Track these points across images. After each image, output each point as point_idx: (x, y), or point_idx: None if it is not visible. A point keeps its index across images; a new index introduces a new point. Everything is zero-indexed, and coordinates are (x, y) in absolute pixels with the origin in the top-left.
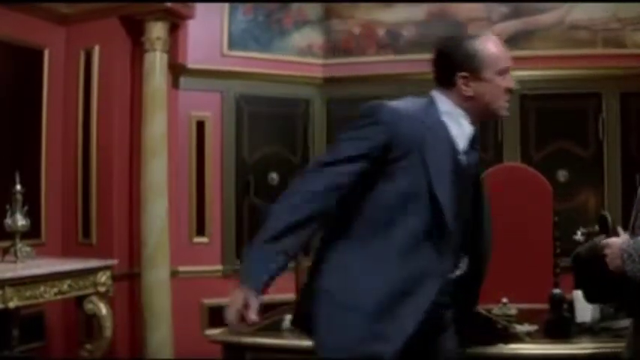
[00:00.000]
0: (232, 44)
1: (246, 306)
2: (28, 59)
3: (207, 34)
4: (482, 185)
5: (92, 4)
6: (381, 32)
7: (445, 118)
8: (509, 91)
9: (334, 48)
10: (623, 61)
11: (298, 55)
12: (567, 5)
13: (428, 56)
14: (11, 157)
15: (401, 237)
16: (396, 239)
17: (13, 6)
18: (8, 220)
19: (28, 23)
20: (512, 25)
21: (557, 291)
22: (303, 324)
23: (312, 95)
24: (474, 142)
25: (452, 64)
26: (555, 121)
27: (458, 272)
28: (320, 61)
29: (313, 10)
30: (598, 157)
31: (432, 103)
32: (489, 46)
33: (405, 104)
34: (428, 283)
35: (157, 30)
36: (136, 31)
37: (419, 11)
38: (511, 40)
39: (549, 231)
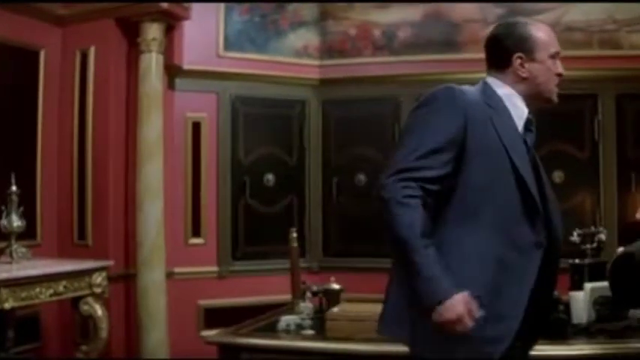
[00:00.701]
0: (228, 45)
1: (467, 308)
2: (24, 60)
3: (202, 35)
4: (541, 166)
5: (88, 5)
6: (376, 33)
7: (504, 101)
8: (559, 76)
9: (330, 49)
10: (619, 63)
11: (294, 56)
12: (563, 7)
13: (423, 57)
14: (7, 158)
15: (497, 214)
16: (493, 217)
17: (9, 7)
18: (4, 221)
19: (24, 24)
20: None
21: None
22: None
23: (308, 96)
24: (528, 124)
25: (508, 46)
26: (551, 122)
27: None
28: (316, 62)
29: (309, 11)
30: (594, 159)
31: (489, 88)
32: (542, 30)
33: (466, 88)
34: (531, 254)
35: (153, 31)
36: (131, 32)
37: (414, 12)
38: None
39: None
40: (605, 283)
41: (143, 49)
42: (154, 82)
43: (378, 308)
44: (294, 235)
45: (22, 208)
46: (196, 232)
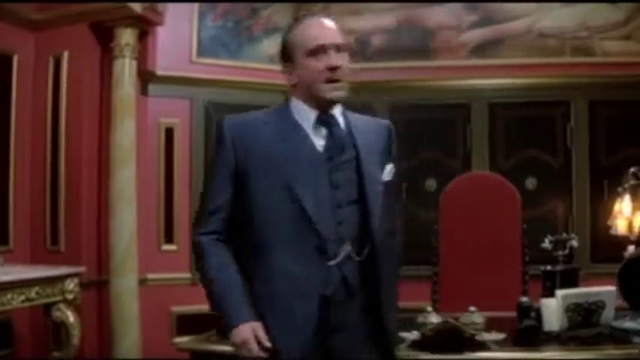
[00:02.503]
0: (201, 51)
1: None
2: None
3: (176, 41)
4: (364, 167)
5: (62, 10)
6: (349, 40)
7: (292, 109)
8: (330, 70)
9: None
10: (591, 70)
11: (267, 63)
12: (536, 13)
13: (397, 64)
14: None
15: (280, 228)
16: (276, 232)
17: None
18: None
19: None
20: (481, 34)
21: (524, 299)
22: None
23: (281, 103)
24: (328, 126)
25: (280, 58)
26: (524, 129)
27: (339, 259)
28: None
29: (283, 17)
30: (566, 165)
31: (287, 102)
32: (299, 29)
33: (255, 112)
34: (297, 272)
35: (126, 36)
36: (105, 37)
37: (388, 19)
38: (480, 49)
39: (518, 239)
40: (577, 290)
41: (116, 55)
42: (127, 88)
43: None
44: None
45: None
46: (169, 239)
